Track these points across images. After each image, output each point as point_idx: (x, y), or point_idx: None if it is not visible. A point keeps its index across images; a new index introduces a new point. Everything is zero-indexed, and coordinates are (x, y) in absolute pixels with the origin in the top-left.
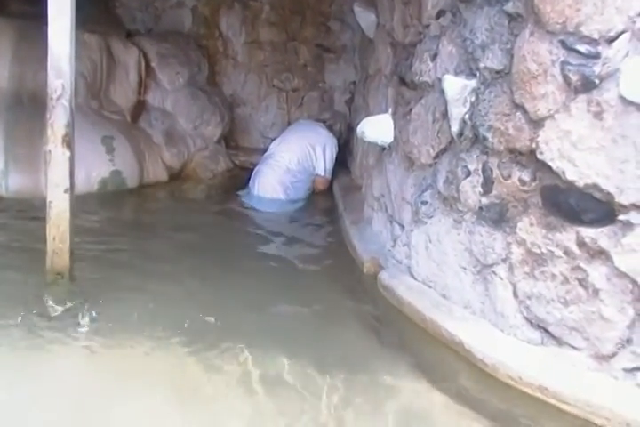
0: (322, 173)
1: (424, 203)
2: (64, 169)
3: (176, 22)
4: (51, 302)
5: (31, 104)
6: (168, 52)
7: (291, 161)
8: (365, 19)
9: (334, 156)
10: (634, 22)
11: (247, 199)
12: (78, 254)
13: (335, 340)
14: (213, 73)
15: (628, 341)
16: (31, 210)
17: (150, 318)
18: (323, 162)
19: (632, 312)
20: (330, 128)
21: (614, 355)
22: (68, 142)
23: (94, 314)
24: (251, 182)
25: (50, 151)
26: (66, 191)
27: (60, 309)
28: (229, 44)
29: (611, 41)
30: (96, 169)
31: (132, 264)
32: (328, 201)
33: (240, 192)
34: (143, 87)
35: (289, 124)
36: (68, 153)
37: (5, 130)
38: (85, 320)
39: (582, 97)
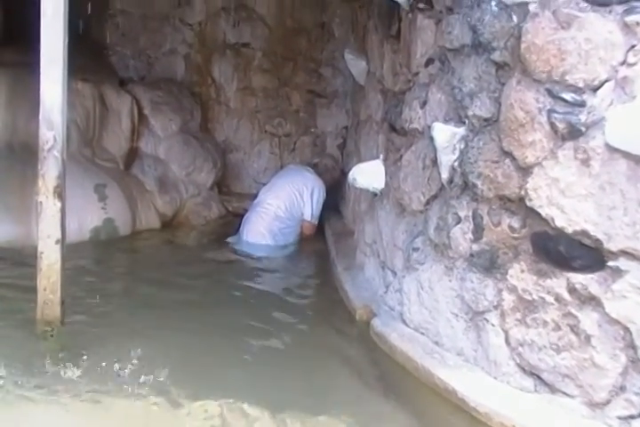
0: (308, 219)
1: (415, 249)
2: (55, 220)
3: (169, 70)
4: (40, 354)
5: (23, 153)
6: (161, 99)
7: (279, 208)
8: (356, 66)
9: (322, 200)
10: (617, 71)
11: (238, 246)
12: (69, 305)
13: (326, 387)
14: (206, 119)
15: (622, 388)
16: (22, 260)
17: (138, 371)
18: (310, 207)
19: (624, 359)
20: (322, 173)
21: (608, 402)
22: (60, 193)
23: (83, 366)
24: (240, 229)
25: (41, 202)
26: (57, 242)
27: (48, 361)
28: (222, 91)
29: (595, 89)
30: (88, 217)
31: (123, 315)
32: (320, 246)
33: (230, 239)
34: (136, 134)
35: (281, 169)
36: (59, 204)
37: None
38: (74, 371)
39: (569, 144)
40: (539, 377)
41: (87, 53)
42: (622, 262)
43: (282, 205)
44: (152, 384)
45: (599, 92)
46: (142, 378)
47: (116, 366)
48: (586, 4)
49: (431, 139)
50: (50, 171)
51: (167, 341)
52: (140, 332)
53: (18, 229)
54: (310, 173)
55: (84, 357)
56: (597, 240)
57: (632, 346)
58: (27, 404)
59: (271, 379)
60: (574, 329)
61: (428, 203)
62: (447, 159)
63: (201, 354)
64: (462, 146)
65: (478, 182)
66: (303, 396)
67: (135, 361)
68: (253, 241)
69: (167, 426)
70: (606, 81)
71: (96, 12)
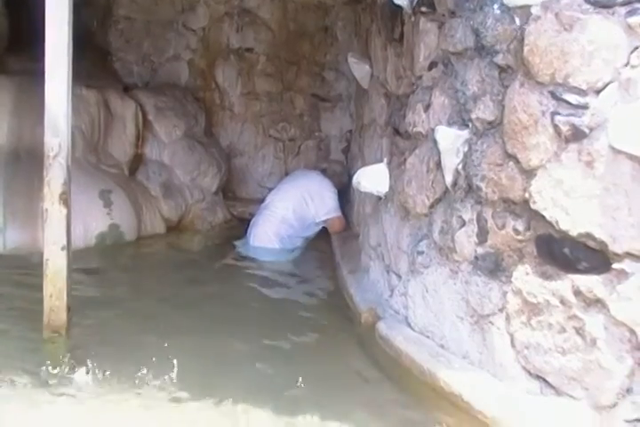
0: (331, 215)
1: (420, 253)
2: (61, 227)
3: (173, 75)
4: (47, 360)
5: (29, 159)
6: (165, 104)
7: (286, 211)
8: (360, 69)
9: (334, 195)
10: (620, 73)
11: (244, 249)
12: (75, 311)
13: (331, 390)
14: (210, 124)
15: (629, 390)
16: (29, 266)
17: (146, 376)
18: (325, 205)
19: (631, 361)
20: (329, 178)
21: (615, 405)
22: (65, 200)
23: (90, 372)
24: (247, 233)
25: (47, 209)
26: (63, 249)
27: (56, 367)
28: (226, 96)
29: (598, 91)
30: (94, 223)
31: (130, 320)
32: (325, 249)
33: (237, 242)
34: (140, 140)
35: (286, 173)
36: (64, 211)
37: (4, 185)
38: (81, 378)
39: (573, 146)
40: (544, 380)
41: (91, 60)
42: (627, 264)
43: (289, 208)
44: (159, 386)
45: (602, 93)
46: (150, 381)
47: (123, 370)
48: (588, 6)
49: (435, 142)
50: (55, 177)
51: (174, 344)
52: (147, 336)
53: (24, 236)
54: (317, 174)
55: (91, 361)
56: (602, 242)
57: (638, 348)
58: (33, 408)
59: (274, 382)
60: (580, 331)
61: (432, 206)
62: (451, 162)
63: (207, 356)
64: (466, 149)
65: (482, 185)
66: (307, 398)
67: (142, 365)
68: (260, 245)
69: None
70: (610, 83)
71: (100, 18)
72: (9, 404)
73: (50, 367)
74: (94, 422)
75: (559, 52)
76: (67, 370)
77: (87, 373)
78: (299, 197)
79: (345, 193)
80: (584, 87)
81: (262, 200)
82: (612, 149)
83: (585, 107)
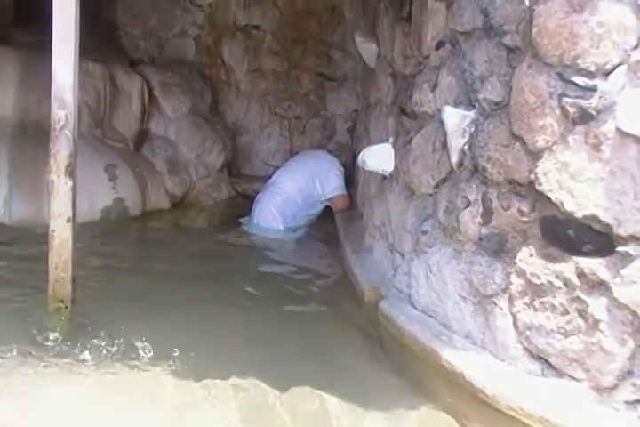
0: (336, 193)
1: (424, 232)
2: (66, 199)
3: (179, 51)
4: (51, 330)
5: (35, 133)
6: (171, 80)
7: (292, 189)
8: (367, 49)
9: (341, 174)
10: (629, 56)
11: (248, 226)
12: (80, 283)
13: (334, 368)
14: (216, 102)
15: (629, 373)
16: (34, 238)
17: (149, 348)
18: (331, 183)
19: (632, 344)
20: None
21: (615, 387)
22: (71, 172)
23: (94, 342)
24: (252, 209)
25: (52, 181)
26: (68, 221)
27: (60, 336)
28: (232, 73)
29: (607, 74)
30: (99, 197)
31: (133, 293)
32: (329, 229)
33: (242, 219)
34: (146, 116)
35: (291, 151)
36: (70, 183)
37: (10, 158)
38: (85, 348)
39: (580, 129)
40: (546, 361)
41: (98, 34)
42: (632, 247)
43: (295, 187)
44: (162, 361)
45: (611, 76)
46: (153, 355)
47: (126, 343)
48: None
49: (441, 122)
50: (61, 150)
51: (178, 319)
52: (151, 310)
53: (30, 208)
54: (325, 153)
55: (94, 333)
56: (607, 225)
57: None
58: (36, 380)
59: (278, 360)
60: (582, 314)
61: (437, 186)
62: (457, 143)
63: (211, 332)
64: (472, 129)
65: (488, 166)
66: (310, 376)
67: (145, 339)
68: (264, 224)
69: (176, 403)
70: (619, 65)
71: None
72: (12, 375)
73: (54, 337)
74: (96, 395)
75: (568, 34)
76: (70, 340)
77: (90, 343)
78: (306, 177)
79: (347, 172)
80: (592, 69)
81: (267, 178)
82: (620, 132)
83: (593, 89)
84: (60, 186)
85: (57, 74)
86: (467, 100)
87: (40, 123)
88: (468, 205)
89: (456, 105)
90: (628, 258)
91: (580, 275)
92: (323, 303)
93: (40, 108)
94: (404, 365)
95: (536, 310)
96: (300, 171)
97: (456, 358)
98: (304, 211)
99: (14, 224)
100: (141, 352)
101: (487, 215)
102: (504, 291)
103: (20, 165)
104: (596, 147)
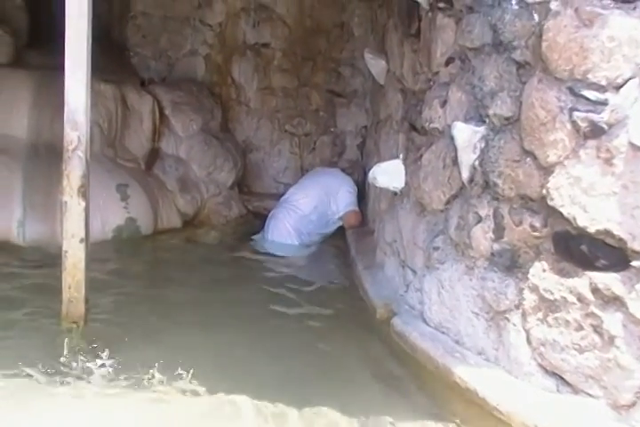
0: (349, 209)
1: (436, 248)
2: (79, 219)
3: (189, 70)
4: (65, 351)
5: (49, 154)
6: (182, 99)
7: (307, 207)
8: (376, 65)
9: (354, 191)
10: None
11: (261, 244)
12: (93, 303)
13: (346, 385)
14: (226, 119)
15: None
16: (48, 258)
17: (162, 367)
18: (344, 200)
19: None
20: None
21: (634, 405)
22: (84, 193)
23: (107, 363)
24: (265, 226)
25: (66, 202)
26: (81, 241)
27: (73, 357)
28: (242, 91)
29: (618, 87)
30: (111, 217)
31: (146, 314)
32: (340, 245)
33: (254, 236)
34: (157, 135)
35: (302, 168)
36: (83, 203)
37: (24, 179)
38: (96, 368)
39: (592, 143)
40: (561, 377)
41: (109, 55)
42: None
43: (311, 204)
44: (175, 381)
45: (622, 90)
46: (166, 375)
47: (140, 362)
48: (609, 1)
49: (452, 138)
50: (74, 171)
51: (191, 338)
52: (164, 330)
53: (44, 229)
54: (339, 172)
55: (108, 353)
56: (621, 240)
57: None
58: (50, 399)
59: (290, 376)
60: (597, 329)
61: (448, 202)
62: (468, 158)
63: (225, 350)
64: (483, 145)
65: (499, 181)
66: (322, 393)
67: (159, 359)
68: (278, 240)
69: (188, 422)
70: (630, 79)
71: (117, 13)
72: (24, 394)
73: (67, 358)
74: (106, 417)
75: (578, 48)
76: (83, 361)
77: (103, 364)
78: (321, 195)
79: (358, 188)
80: (603, 83)
81: (280, 195)
82: (632, 145)
83: (604, 103)
84: (73, 206)
85: (70, 96)
86: (477, 115)
87: (53, 144)
88: (479, 221)
89: (466, 121)
90: None
91: (594, 290)
92: (333, 320)
93: (53, 129)
94: (417, 382)
95: (550, 325)
96: (315, 188)
97: (469, 374)
98: (318, 229)
99: (28, 245)
100: (155, 373)
101: (499, 231)
102: (517, 307)
103: (33, 186)
104: (609, 161)
